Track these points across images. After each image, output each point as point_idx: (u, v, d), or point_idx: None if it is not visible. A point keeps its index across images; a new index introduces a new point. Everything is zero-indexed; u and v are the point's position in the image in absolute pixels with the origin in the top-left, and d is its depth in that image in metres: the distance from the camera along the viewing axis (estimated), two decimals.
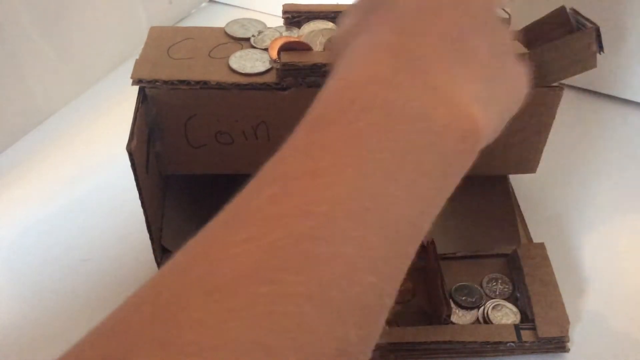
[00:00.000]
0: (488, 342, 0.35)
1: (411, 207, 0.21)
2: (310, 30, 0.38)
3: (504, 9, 0.39)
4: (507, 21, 0.39)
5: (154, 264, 0.38)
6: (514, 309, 0.37)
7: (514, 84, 0.27)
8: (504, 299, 0.38)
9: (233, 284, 0.17)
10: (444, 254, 0.39)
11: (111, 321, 0.18)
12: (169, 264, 0.19)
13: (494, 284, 0.38)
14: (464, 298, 0.37)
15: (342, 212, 0.19)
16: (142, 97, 0.35)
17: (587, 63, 0.37)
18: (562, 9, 0.37)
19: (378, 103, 0.21)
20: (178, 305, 0.17)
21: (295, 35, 0.38)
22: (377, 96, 0.21)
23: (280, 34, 0.38)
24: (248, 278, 0.18)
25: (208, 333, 0.16)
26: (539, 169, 0.41)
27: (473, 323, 0.37)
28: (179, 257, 0.19)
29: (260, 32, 0.38)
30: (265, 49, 0.37)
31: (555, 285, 0.37)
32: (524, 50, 0.35)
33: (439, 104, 0.22)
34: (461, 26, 0.24)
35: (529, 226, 0.42)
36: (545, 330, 0.35)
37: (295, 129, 0.22)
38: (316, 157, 0.20)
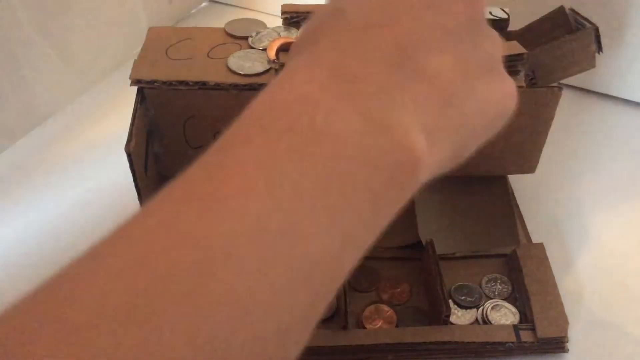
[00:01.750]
0: (487, 342, 0.35)
1: (330, 242, 0.19)
2: None
3: (502, 9, 0.39)
4: (505, 23, 0.39)
5: None
6: (513, 309, 0.37)
7: (488, 106, 0.24)
8: (503, 299, 0.38)
9: (93, 324, 0.15)
10: (443, 254, 0.39)
11: None
12: (24, 299, 0.16)
13: (493, 284, 0.38)
14: (463, 297, 0.37)
15: (239, 247, 0.17)
16: (141, 98, 0.35)
17: (586, 63, 0.37)
18: (561, 9, 0.37)
19: (302, 125, 0.19)
20: (20, 340, 0.15)
21: (294, 35, 0.38)
22: (302, 118, 0.19)
23: (279, 34, 0.38)
24: (112, 318, 0.15)
25: None
26: (538, 169, 0.41)
27: (472, 323, 0.37)
28: (40, 290, 0.16)
29: (258, 33, 0.38)
30: (264, 50, 0.37)
31: (554, 286, 0.37)
32: (522, 50, 0.35)
33: (371, 131, 0.20)
34: (416, 40, 0.22)
35: (528, 226, 0.42)
36: (545, 330, 0.35)
37: (210, 145, 0.20)
38: (222, 179, 0.18)
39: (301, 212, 0.18)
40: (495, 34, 0.25)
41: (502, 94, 0.25)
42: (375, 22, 0.22)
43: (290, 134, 0.19)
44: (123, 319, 0.15)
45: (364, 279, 0.39)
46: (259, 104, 0.21)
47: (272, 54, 0.36)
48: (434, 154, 0.22)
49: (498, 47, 0.25)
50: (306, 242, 0.18)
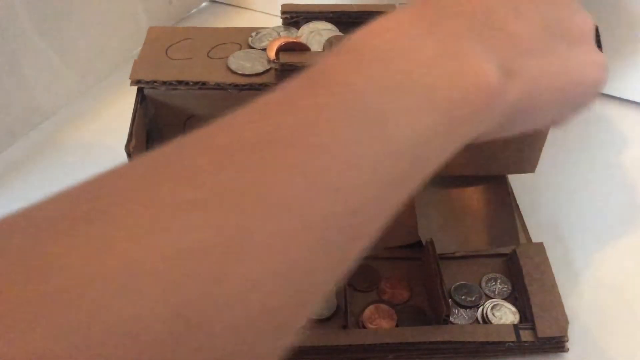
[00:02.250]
0: (487, 342, 0.35)
1: (413, 137, 0.21)
2: (309, 31, 0.38)
3: None
4: None
5: None
6: (513, 308, 0.37)
7: (573, 70, 0.26)
8: (503, 299, 0.38)
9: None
10: (443, 254, 0.39)
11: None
12: None
13: (493, 283, 0.38)
14: (463, 297, 0.38)
15: (333, 119, 0.19)
16: (141, 98, 0.35)
17: None
18: None
19: (387, 45, 0.22)
20: None
21: (293, 35, 0.38)
22: (389, 41, 0.22)
23: (279, 34, 0.38)
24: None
25: None
26: (538, 169, 0.41)
27: (472, 323, 0.37)
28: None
29: (258, 33, 0.38)
30: (264, 50, 0.37)
31: (554, 285, 0.37)
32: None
33: (448, 56, 0.22)
34: (503, 3, 0.24)
35: (528, 226, 0.42)
36: (545, 330, 0.35)
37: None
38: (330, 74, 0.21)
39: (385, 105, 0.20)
40: (586, 14, 0.27)
41: (590, 62, 0.26)
42: None
43: (377, 51, 0.22)
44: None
45: (364, 279, 0.39)
46: (357, 34, 0.23)
47: (272, 54, 0.36)
48: (509, 92, 0.23)
49: (589, 24, 0.27)
50: (392, 135, 0.20)
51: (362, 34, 0.23)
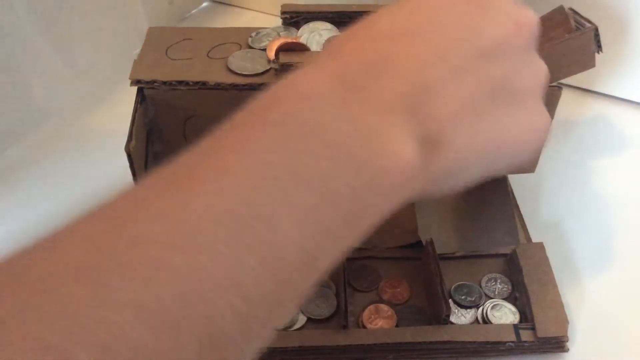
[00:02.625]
0: (487, 342, 0.35)
1: (304, 233, 0.19)
2: (309, 31, 0.38)
3: None
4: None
5: None
6: (513, 308, 0.37)
7: (508, 134, 0.24)
8: (503, 299, 0.38)
9: (52, 280, 0.16)
10: (443, 254, 0.39)
11: None
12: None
13: (493, 283, 0.38)
14: (463, 297, 0.37)
15: (210, 223, 0.18)
16: (141, 98, 0.35)
17: (586, 63, 0.37)
18: (561, 8, 0.37)
19: (294, 120, 0.20)
20: None
21: (293, 35, 0.38)
22: (296, 114, 0.20)
23: (279, 34, 0.38)
24: (71, 277, 0.16)
25: None
26: (537, 169, 0.41)
27: (472, 323, 0.37)
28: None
29: (258, 33, 0.38)
30: (264, 50, 0.37)
31: (554, 285, 0.37)
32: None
33: (360, 136, 0.20)
34: (436, 55, 0.22)
35: (528, 226, 0.42)
36: (544, 330, 0.35)
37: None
38: (204, 161, 0.19)
39: (276, 198, 0.19)
40: (542, 65, 0.25)
41: (529, 124, 0.24)
42: (401, 32, 0.23)
43: (280, 127, 0.20)
44: (76, 278, 0.16)
45: (364, 279, 0.39)
46: (261, 98, 0.21)
47: (271, 54, 0.36)
48: (432, 164, 0.22)
49: (540, 79, 0.25)
50: (280, 228, 0.18)
51: (265, 100, 0.21)
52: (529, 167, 0.41)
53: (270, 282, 0.18)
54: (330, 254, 0.20)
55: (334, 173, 0.20)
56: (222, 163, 0.19)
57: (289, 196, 0.19)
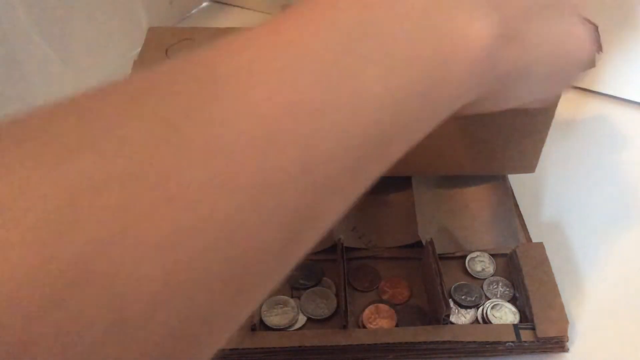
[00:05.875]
0: (487, 342, 0.35)
1: (380, 102, 0.19)
2: None
3: None
4: None
5: None
6: (513, 308, 0.37)
7: (551, 43, 0.24)
8: (503, 299, 0.38)
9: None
10: (443, 254, 0.39)
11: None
12: None
13: (495, 287, 0.38)
14: (463, 297, 0.37)
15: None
16: None
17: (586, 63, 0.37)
18: None
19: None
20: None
21: None
22: None
23: None
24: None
25: None
26: (537, 169, 0.41)
27: (472, 323, 0.37)
28: None
29: None
30: None
31: (554, 285, 0.37)
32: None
33: (436, 7, 0.21)
34: None
35: (527, 226, 0.42)
36: (544, 330, 0.35)
37: None
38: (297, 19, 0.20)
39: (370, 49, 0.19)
40: None
41: (579, 33, 0.25)
42: None
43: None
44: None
45: (364, 279, 0.39)
46: None
47: None
48: (503, 59, 0.22)
49: None
50: (364, 84, 0.19)
51: None
52: (529, 167, 0.41)
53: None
54: (400, 139, 0.21)
55: (417, 33, 0.20)
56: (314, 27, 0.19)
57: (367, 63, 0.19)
